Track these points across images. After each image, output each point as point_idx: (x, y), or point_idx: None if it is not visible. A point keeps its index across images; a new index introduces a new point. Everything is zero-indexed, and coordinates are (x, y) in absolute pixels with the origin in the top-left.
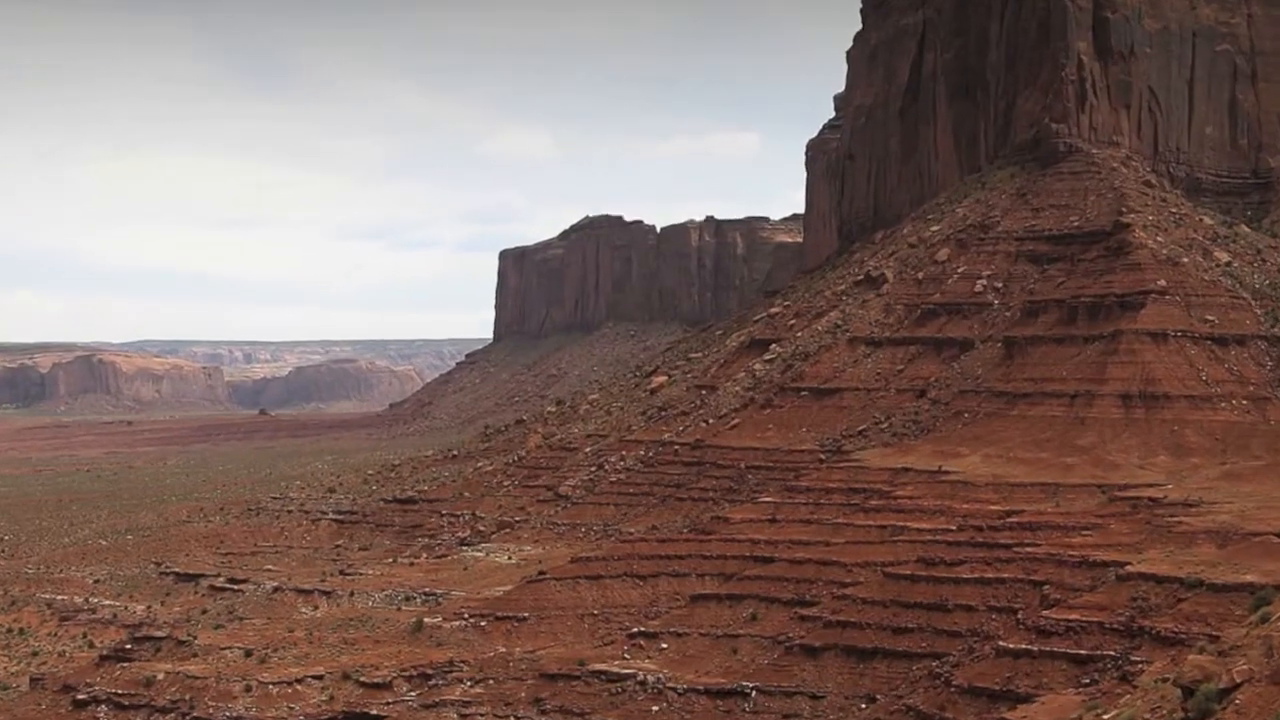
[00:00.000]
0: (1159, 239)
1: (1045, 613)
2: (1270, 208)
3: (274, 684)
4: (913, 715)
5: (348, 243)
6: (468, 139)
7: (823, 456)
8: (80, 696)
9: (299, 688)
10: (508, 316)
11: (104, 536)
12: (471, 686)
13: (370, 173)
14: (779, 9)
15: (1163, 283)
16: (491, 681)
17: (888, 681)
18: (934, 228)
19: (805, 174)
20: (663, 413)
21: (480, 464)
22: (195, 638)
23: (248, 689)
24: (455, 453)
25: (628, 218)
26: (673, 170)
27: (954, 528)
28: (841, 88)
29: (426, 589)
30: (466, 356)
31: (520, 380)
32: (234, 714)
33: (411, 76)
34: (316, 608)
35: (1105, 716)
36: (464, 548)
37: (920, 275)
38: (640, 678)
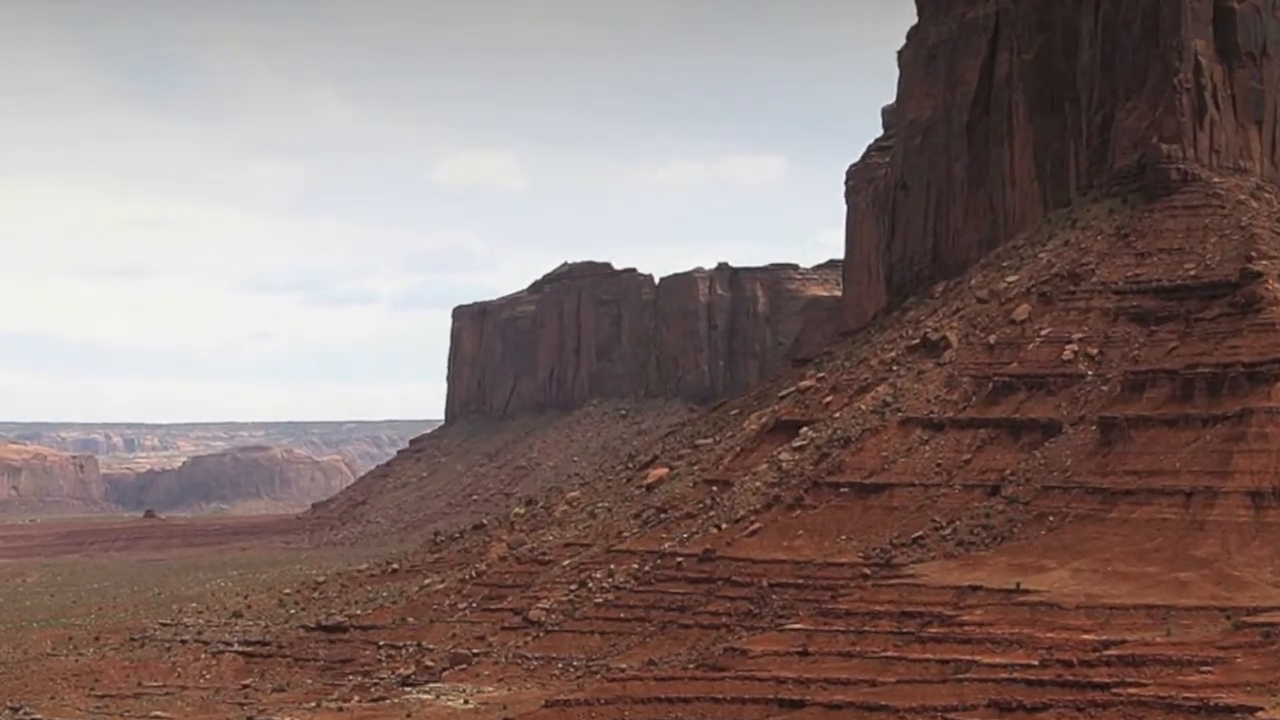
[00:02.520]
0: None
1: None
2: None
3: None
4: None
5: (258, 296)
6: (412, 163)
7: (867, 571)
8: None
9: None
10: (463, 391)
11: None
12: None
13: (287, 207)
14: None
15: None
16: None
17: None
18: (1010, 278)
19: (845, 209)
20: (662, 515)
21: (428, 581)
22: None
23: None
24: (396, 566)
25: (617, 264)
26: (674, 204)
27: (1036, 663)
28: (892, 98)
29: None
30: (410, 443)
31: (479, 473)
32: None
33: (339, 83)
34: None
35: None
36: (407, 688)
37: (992, 339)
38: None
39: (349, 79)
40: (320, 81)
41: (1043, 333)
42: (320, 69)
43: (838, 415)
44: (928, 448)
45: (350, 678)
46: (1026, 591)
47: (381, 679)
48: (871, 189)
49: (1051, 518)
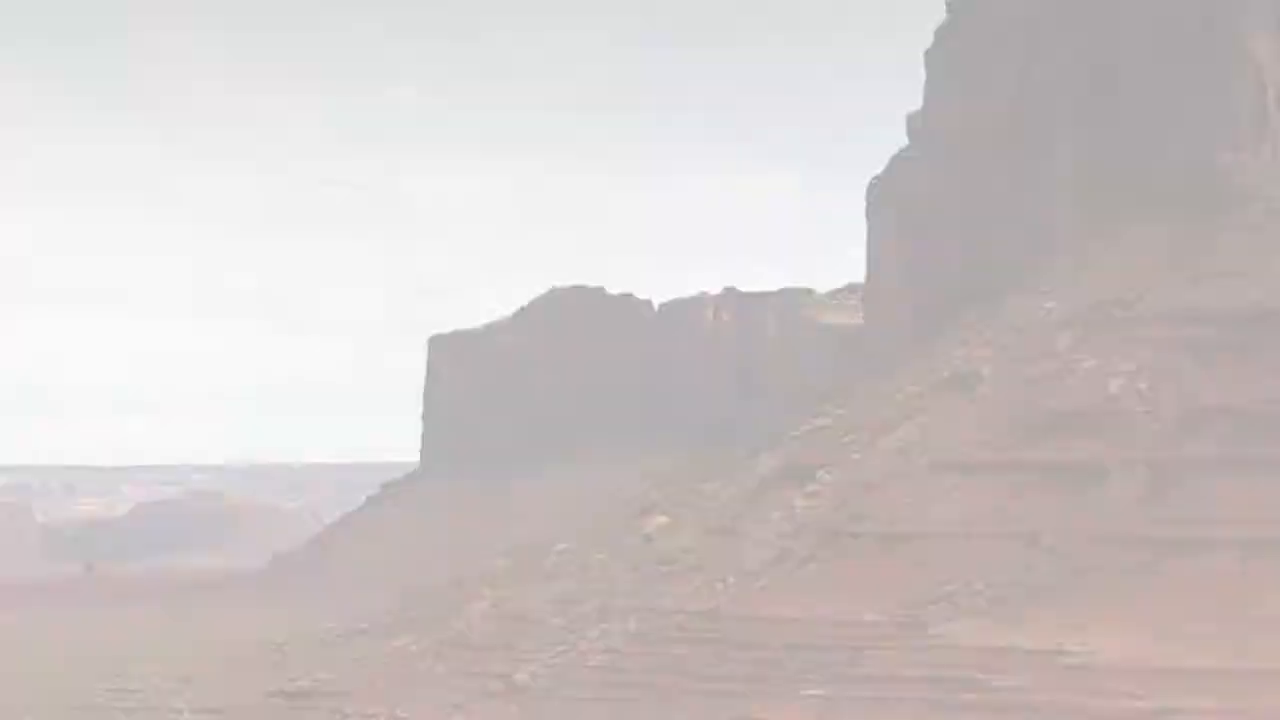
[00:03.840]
0: None
1: None
2: None
3: None
4: None
5: (212, 323)
6: (383, 176)
7: (892, 631)
8: None
9: None
10: (441, 431)
11: None
12: None
13: (244, 223)
14: None
15: None
16: None
17: None
18: (1050, 304)
19: (866, 227)
20: (663, 568)
21: (401, 641)
22: None
23: None
24: (366, 625)
25: (612, 289)
26: (677, 222)
27: None
28: (918, 104)
29: None
30: (381, 488)
31: (459, 522)
32: None
33: (304, 86)
34: None
35: None
36: None
37: (1031, 372)
38: None
39: (313, 80)
40: (283, 83)
41: (1086, 365)
42: (281, 68)
43: (858, 457)
44: (959, 493)
45: None
46: (1069, 653)
47: None
48: (896, 206)
49: (1097, 571)
